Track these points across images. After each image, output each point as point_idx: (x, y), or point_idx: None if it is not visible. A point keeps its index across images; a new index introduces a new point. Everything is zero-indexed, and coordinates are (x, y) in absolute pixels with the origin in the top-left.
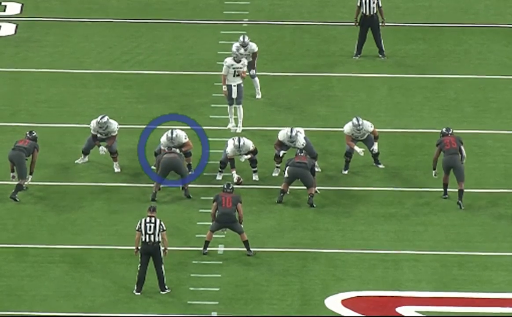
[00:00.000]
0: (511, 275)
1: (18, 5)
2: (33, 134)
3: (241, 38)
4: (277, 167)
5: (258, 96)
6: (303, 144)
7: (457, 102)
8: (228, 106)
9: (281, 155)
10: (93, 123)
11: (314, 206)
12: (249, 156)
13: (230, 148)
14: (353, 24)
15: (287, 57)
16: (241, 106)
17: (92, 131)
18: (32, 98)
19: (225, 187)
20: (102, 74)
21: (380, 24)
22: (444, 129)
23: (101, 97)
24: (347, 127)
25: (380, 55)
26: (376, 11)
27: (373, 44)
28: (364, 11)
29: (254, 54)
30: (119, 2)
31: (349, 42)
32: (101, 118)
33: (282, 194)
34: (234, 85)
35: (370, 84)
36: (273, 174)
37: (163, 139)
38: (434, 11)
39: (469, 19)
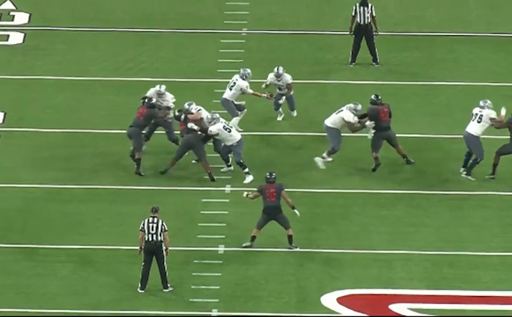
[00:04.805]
0: (499, 274)
1: (26, 15)
2: (152, 101)
3: (275, 69)
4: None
5: (293, 113)
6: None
7: (447, 108)
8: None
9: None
10: (152, 90)
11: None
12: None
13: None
14: (348, 33)
15: (285, 64)
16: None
17: (151, 98)
18: (40, 104)
19: (268, 176)
20: (107, 81)
21: (374, 33)
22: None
23: (106, 103)
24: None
25: (374, 63)
26: (370, 21)
27: (367, 52)
28: (358, 21)
29: (288, 86)
30: (124, 12)
31: (344, 50)
32: (159, 87)
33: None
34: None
35: (364, 91)
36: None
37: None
38: (426, 21)
39: (460, 29)
